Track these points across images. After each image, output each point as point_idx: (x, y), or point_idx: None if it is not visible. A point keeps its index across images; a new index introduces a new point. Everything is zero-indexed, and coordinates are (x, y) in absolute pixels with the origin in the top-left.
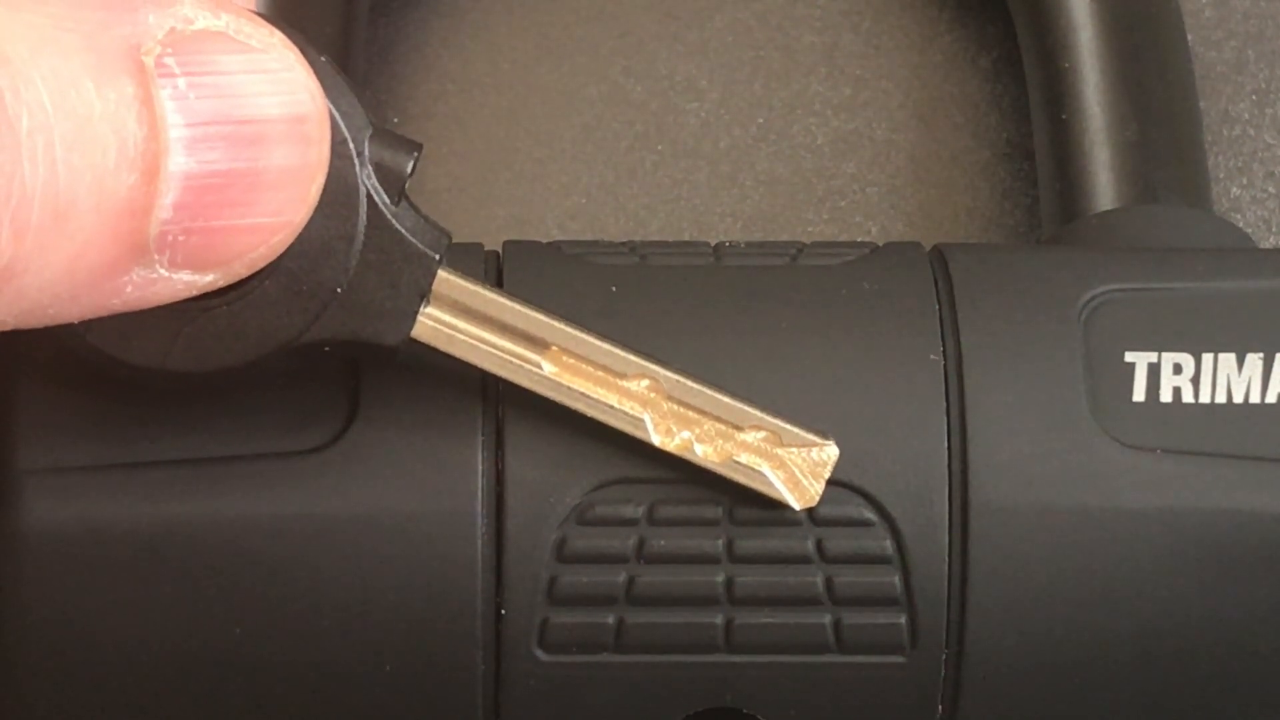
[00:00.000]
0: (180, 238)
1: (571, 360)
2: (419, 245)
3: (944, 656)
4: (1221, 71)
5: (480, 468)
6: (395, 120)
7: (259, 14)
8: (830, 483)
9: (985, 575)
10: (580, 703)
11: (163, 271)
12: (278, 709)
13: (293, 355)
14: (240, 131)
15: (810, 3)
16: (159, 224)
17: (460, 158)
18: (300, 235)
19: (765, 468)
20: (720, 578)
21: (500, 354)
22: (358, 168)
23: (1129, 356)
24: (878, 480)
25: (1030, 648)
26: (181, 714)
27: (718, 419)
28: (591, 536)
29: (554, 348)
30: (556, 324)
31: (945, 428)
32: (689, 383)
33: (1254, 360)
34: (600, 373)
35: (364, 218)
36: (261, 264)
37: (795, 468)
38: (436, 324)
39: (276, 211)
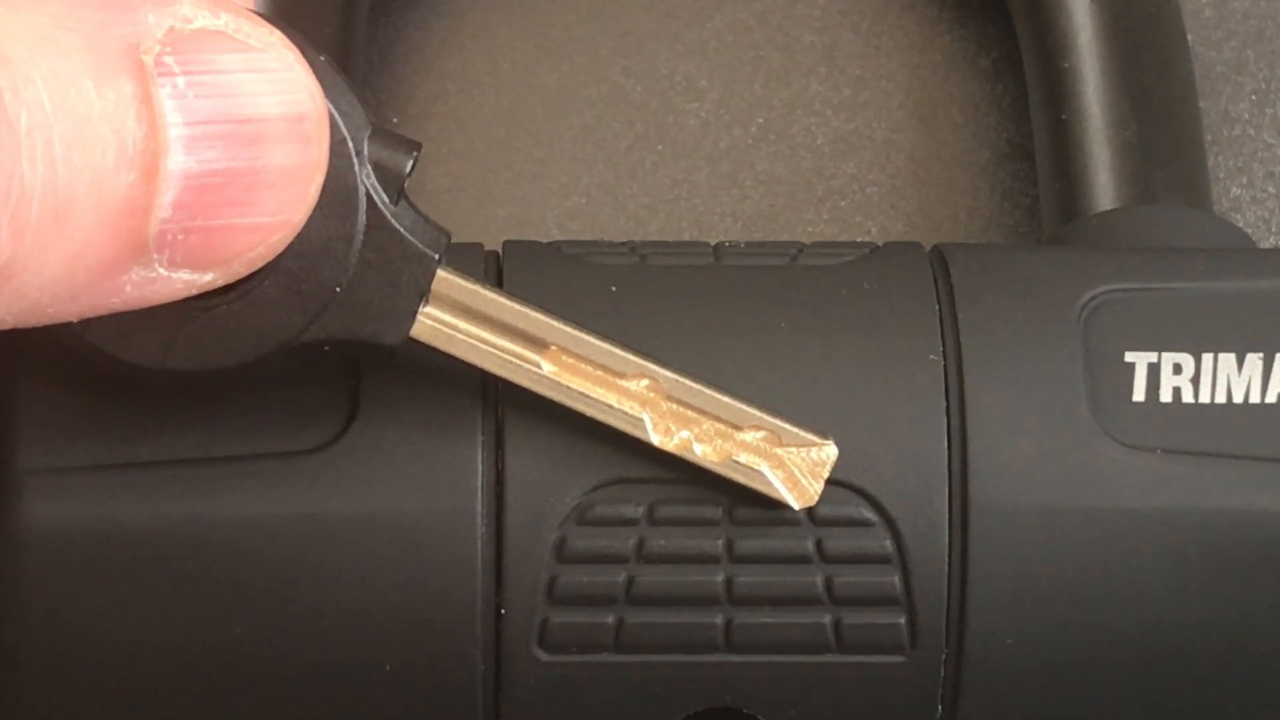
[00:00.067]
0: (179, 237)
1: (571, 360)
2: (418, 245)
3: (944, 656)
4: (1221, 71)
5: (480, 468)
6: (395, 120)
7: (258, 14)
8: (830, 482)
9: (985, 575)
10: (580, 703)
11: (162, 271)
12: (278, 709)
13: (292, 355)
14: (239, 131)
15: (810, 3)
16: (158, 223)
17: (460, 158)
18: (299, 235)
19: (764, 467)
20: (720, 578)
21: (500, 354)
22: (357, 167)
23: (1129, 356)
24: (877, 480)
25: (1030, 648)
26: (181, 714)
27: (717, 419)
28: (591, 536)
29: (553, 347)
30: (556, 324)
31: (945, 428)
32: (688, 382)
33: (1254, 360)
34: (600, 372)
35: (363, 217)
36: (261, 263)
37: (794, 467)
38: (436, 324)
39: (276, 211)
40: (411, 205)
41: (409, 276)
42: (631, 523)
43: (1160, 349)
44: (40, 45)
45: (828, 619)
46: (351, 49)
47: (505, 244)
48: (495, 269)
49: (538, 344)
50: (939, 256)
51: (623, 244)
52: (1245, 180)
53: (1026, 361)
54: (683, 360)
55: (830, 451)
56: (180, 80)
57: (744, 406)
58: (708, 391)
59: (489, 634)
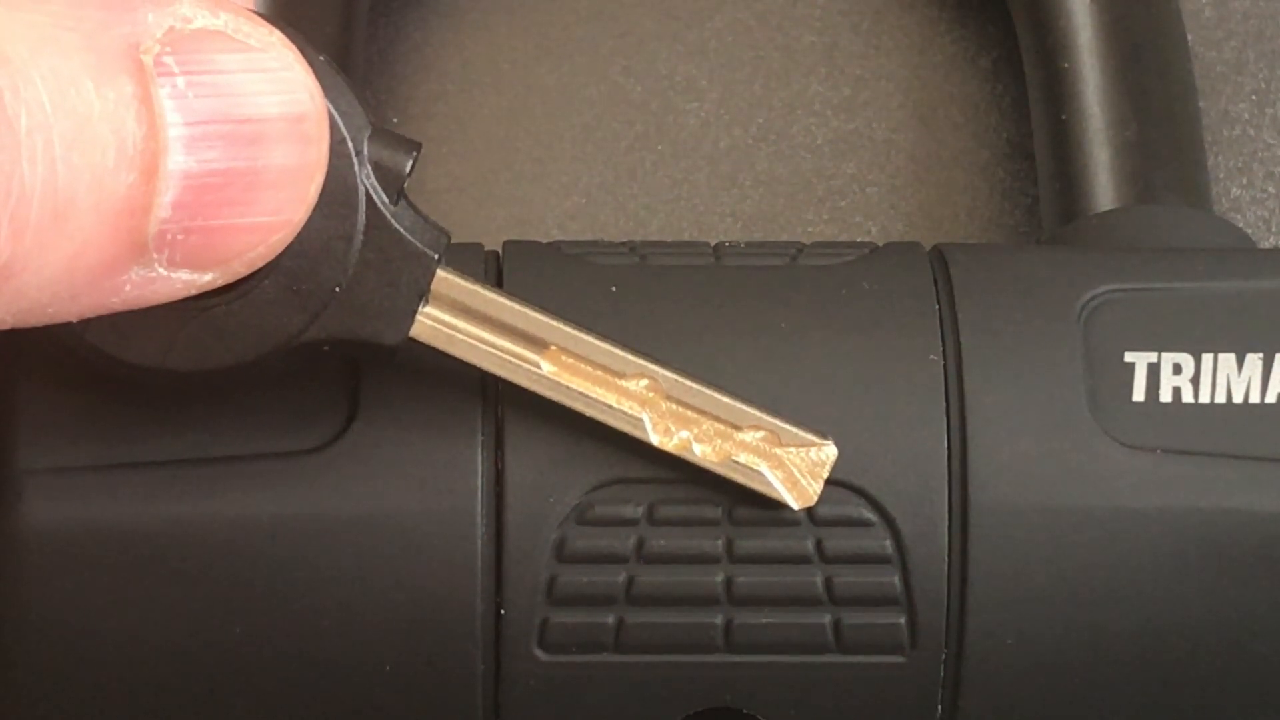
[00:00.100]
0: (179, 236)
1: (571, 360)
2: (418, 245)
3: (944, 656)
4: (1221, 71)
5: (480, 468)
6: (395, 120)
7: (258, 13)
8: (829, 483)
9: (985, 575)
10: (580, 703)
11: (162, 270)
12: (278, 709)
13: (292, 355)
14: (239, 130)
15: (810, 3)
16: (158, 223)
17: (460, 158)
18: (299, 234)
19: (764, 467)
20: (720, 578)
21: (499, 354)
22: (357, 167)
23: (1129, 356)
24: (877, 480)
25: (1030, 648)
26: (181, 714)
27: (717, 419)
28: (591, 536)
29: (553, 347)
30: (556, 324)
31: (945, 428)
32: (688, 382)
33: (1254, 360)
34: (599, 372)
35: (363, 217)
36: (260, 263)
37: (794, 467)
38: (436, 324)
39: (275, 210)
40: (411, 205)
41: (409, 276)
42: (631, 523)
43: (1160, 349)
44: (40, 45)
45: (828, 619)
46: (351, 49)
47: (505, 244)
48: (495, 269)
49: (537, 344)
50: (939, 256)
51: (623, 244)
52: (1245, 180)
53: (1026, 361)
54: (682, 360)
55: (830, 451)
56: (180, 80)
57: (744, 407)
58: (707, 392)
59: (489, 634)
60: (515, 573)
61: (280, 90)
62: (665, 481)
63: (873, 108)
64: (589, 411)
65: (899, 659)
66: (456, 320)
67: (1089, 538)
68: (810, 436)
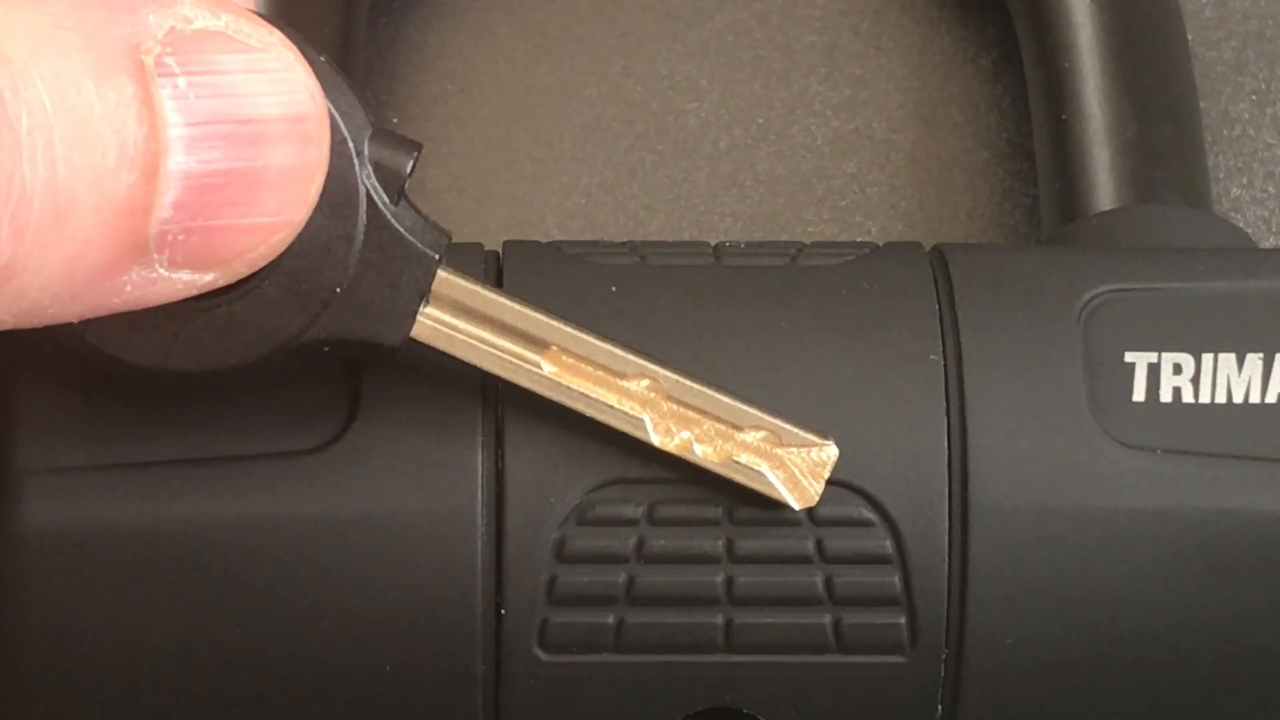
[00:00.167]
0: (180, 237)
1: (571, 360)
2: (419, 245)
3: (944, 656)
4: (1221, 71)
5: (480, 468)
6: (395, 120)
7: (258, 14)
8: (830, 483)
9: (985, 575)
10: (580, 703)
11: (162, 271)
12: (278, 709)
13: (293, 355)
14: (240, 131)
15: (810, 3)
16: (159, 223)
17: (460, 158)
18: (300, 235)
19: (765, 468)
20: (720, 578)
21: (500, 354)
22: (357, 167)
23: (1129, 356)
24: (878, 480)
25: (1030, 648)
26: (182, 714)
27: (717, 419)
28: (591, 536)
29: (554, 348)
30: (556, 324)
31: (945, 428)
32: (689, 383)
33: (1254, 360)
34: (600, 373)
35: (364, 217)
36: (261, 263)
37: (795, 468)
38: (436, 324)
39: (276, 211)
40: (412, 206)
41: (409, 277)
42: (631, 523)
43: (1160, 349)
44: (40, 45)
45: (828, 619)
46: (351, 49)
47: (505, 244)
48: (495, 269)
49: (538, 344)
50: (939, 256)
51: (623, 244)
52: (1245, 180)
53: (1026, 361)
54: (683, 360)
55: (831, 452)
56: (181, 81)
57: (744, 407)
58: (708, 392)
59: (489, 634)
60: (515, 573)
61: (281, 91)
62: (665, 481)
63: (873, 108)
64: (590, 412)
65: (899, 659)
66: (457, 320)
67: (1089, 538)
68: (811, 437)
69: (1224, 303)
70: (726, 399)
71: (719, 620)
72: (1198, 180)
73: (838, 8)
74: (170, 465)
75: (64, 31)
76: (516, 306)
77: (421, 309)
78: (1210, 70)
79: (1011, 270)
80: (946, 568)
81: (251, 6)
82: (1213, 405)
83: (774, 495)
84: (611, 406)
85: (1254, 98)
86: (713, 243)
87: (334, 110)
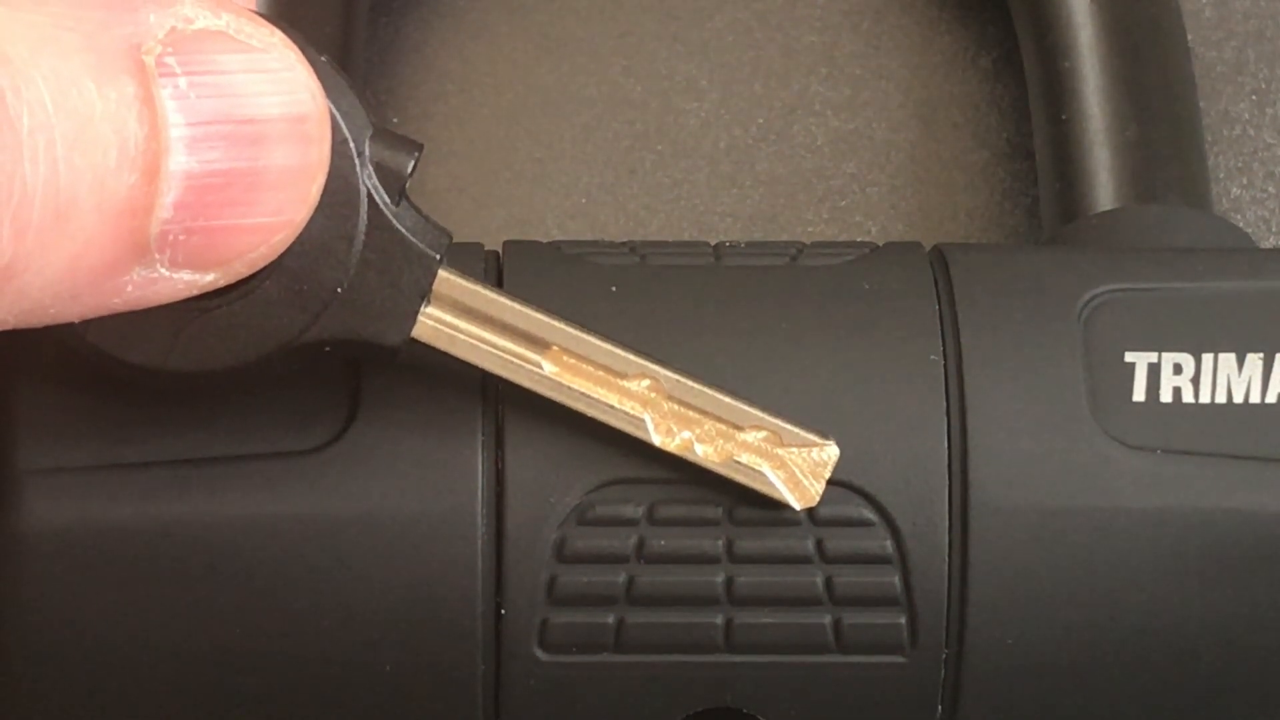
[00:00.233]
0: (181, 237)
1: (572, 360)
2: (420, 245)
3: (944, 656)
4: (1221, 71)
5: (480, 468)
6: (395, 120)
7: (259, 14)
8: (830, 483)
9: (985, 575)
10: (580, 703)
11: (163, 271)
12: (278, 709)
13: (293, 355)
14: (241, 131)
15: (810, 3)
16: (160, 223)
17: (460, 158)
18: (301, 235)
19: (765, 468)
20: (720, 578)
21: (500, 354)
22: (358, 167)
23: (1129, 356)
24: (878, 480)
25: (1030, 648)
26: (182, 714)
27: (718, 419)
28: (591, 536)
29: (554, 348)
30: (557, 324)
31: (945, 428)
32: (689, 383)
33: (1254, 360)
34: (600, 373)
35: (364, 217)
36: (262, 264)
37: (795, 468)
38: (437, 324)
39: (277, 211)
40: (412, 205)
41: (410, 277)
42: (631, 523)
43: (1160, 349)
44: (41, 45)
45: (828, 619)
46: (351, 49)
47: (505, 244)
48: (495, 269)
49: (539, 344)
50: (939, 256)
51: (623, 244)
52: (1245, 180)
53: (1026, 361)
54: (683, 360)
55: (831, 452)
56: (182, 80)
57: (745, 407)
58: (709, 392)
59: (489, 634)
60: (515, 573)
61: (282, 91)
62: (665, 481)
63: (873, 108)
64: (591, 412)
65: (899, 659)
66: (458, 320)
67: (1089, 538)
68: (812, 437)
69: (1224, 303)
70: (727, 399)
71: (719, 620)
72: (1198, 180)
73: (838, 8)
74: (170, 465)
75: (65, 31)
76: (517, 306)
77: (422, 309)
78: (1210, 70)
79: (1011, 270)
80: (946, 568)
81: (252, 6)
82: (1213, 405)
83: (775, 495)
84: (612, 406)
85: (1254, 98)
86: (713, 243)
87: (335, 110)
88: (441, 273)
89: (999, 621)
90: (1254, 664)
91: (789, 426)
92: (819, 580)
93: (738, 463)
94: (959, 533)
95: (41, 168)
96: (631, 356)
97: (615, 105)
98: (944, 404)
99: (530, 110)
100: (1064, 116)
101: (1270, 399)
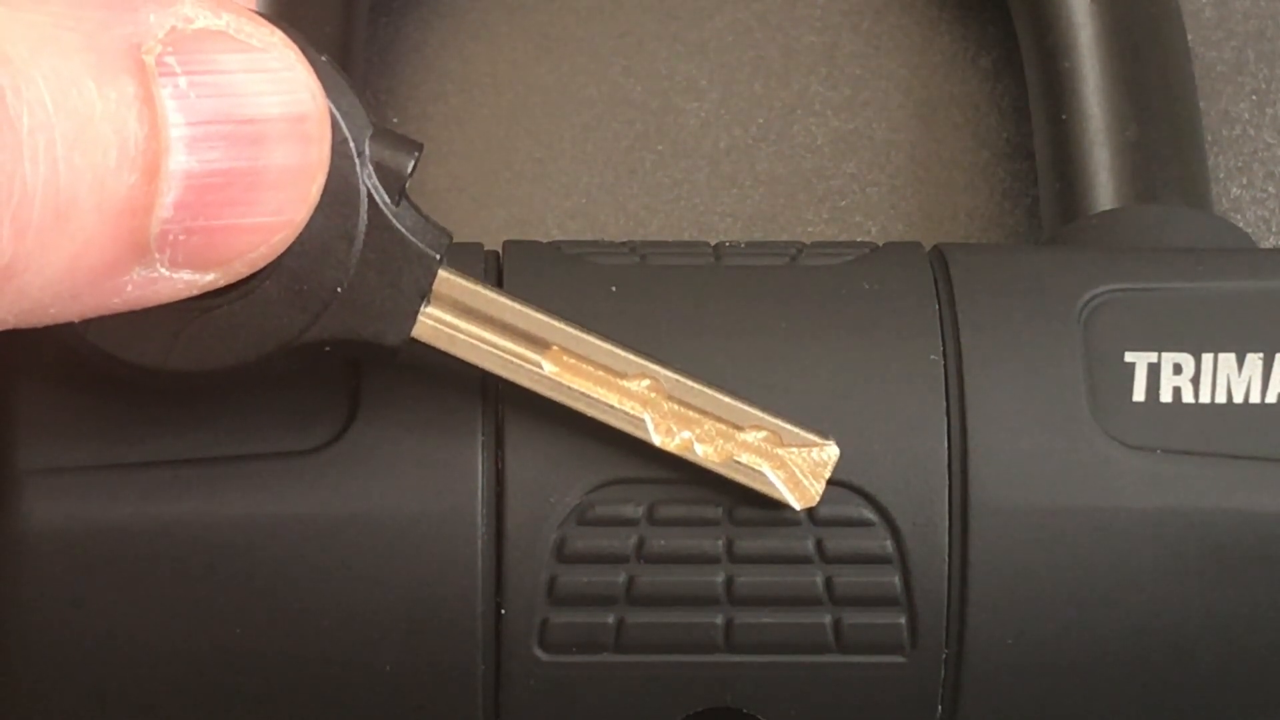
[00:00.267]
0: (181, 237)
1: (572, 360)
2: (420, 245)
3: (944, 656)
4: (1221, 71)
5: (480, 468)
6: (395, 120)
7: (259, 13)
8: (830, 483)
9: (985, 575)
10: (580, 703)
11: (163, 271)
12: (278, 709)
13: (293, 355)
14: (241, 131)
15: (810, 3)
16: (160, 223)
17: (460, 158)
18: (301, 235)
19: (765, 468)
20: (720, 578)
21: (501, 354)
22: (358, 167)
23: (1129, 356)
24: (878, 480)
25: (1030, 648)
26: (182, 714)
27: (718, 419)
28: (591, 536)
29: (554, 347)
30: (557, 324)
31: (945, 428)
32: (689, 383)
33: (1254, 360)
34: (600, 372)
35: (365, 217)
36: (262, 263)
37: (795, 468)
38: (437, 324)
39: (277, 211)
40: (413, 205)
41: (410, 277)
42: (631, 523)
43: (1160, 349)
44: (41, 45)
45: (828, 619)
46: (351, 49)
47: (505, 244)
48: (495, 269)
49: (539, 344)
50: (939, 256)
51: (623, 244)
52: (1245, 180)
53: (1026, 361)
54: (683, 360)
55: (831, 452)
56: (182, 80)
57: (745, 407)
58: (709, 392)
59: (489, 634)
60: (515, 573)
61: (282, 90)
62: (665, 481)
63: (873, 108)
64: (591, 412)
65: (899, 659)
66: (458, 320)
67: (1089, 538)
68: (812, 437)
69: (1224, 303)
70: (727, 399)
71: (719, 620)
72: (1198, 180)
73: (838, 8)
74: (170, 465)
75: (65, 31)
76: (517, 306)
77: (422, 309)
78: (1210, 70)
79: (1011, 270)
80: (946, 568)
81: (252, 6)
82: (1213, 405)
83: (775, 495)
84: (612, 406)
85: (1254, 98)
86: (713, 243)
87: (335, 110)
88: (441, 273)
89: (999, 621)
90: (1253, 664)
91: (789, 426)
92: (819, 580)
93: (738, 463)
94: (959, 533)
95: (41, 167)
96: (631, 356)
97: (615, 105)
98: (944, 404)
99: (530, 110)
100: (1064, 116)
101: (1270, 399)
